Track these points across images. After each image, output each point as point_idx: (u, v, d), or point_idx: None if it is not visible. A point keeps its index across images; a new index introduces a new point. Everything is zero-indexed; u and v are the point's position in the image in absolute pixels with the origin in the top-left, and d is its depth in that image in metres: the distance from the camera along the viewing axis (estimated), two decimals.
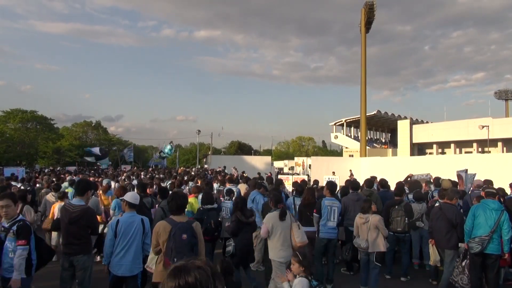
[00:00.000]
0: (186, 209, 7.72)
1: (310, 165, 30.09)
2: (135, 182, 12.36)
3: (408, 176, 11.15)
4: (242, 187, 9.73)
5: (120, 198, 6.76)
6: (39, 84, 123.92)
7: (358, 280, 6.35)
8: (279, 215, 5.10)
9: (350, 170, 21.48)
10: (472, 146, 43.54)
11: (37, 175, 18.37)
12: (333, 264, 6.54)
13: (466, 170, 10.79)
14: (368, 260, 6.03)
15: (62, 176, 16.23)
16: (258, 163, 30.51)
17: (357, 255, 6.44)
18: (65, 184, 11.16)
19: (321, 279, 6.28)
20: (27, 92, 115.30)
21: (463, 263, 5.77)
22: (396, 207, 6.90)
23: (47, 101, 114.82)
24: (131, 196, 4.80)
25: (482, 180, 8.52)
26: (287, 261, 4.83)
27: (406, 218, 6.75)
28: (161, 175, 15.96)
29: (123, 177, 14.50)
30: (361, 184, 8.90)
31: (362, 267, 6.19)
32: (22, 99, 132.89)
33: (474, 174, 10.42)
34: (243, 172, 20.28)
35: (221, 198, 8.91)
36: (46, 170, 24.64)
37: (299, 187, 7.94)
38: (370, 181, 8.71)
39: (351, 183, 8.36)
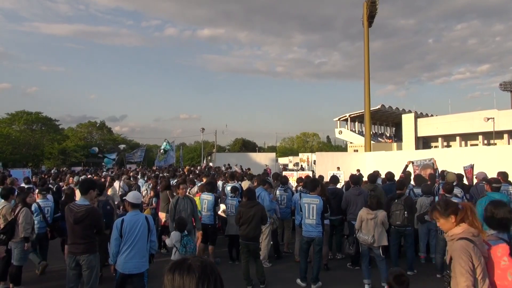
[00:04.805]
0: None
1: (314, 161, 30.00)
2: (141, 181, 12.43)
3: (407, 164, 10.75)
4: (246, 184, 9.72)
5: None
6: (44, 86, 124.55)
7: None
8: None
9: (358, 170, 21.22)
10: (477, 139, 43.16)
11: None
12: (319, 263, 6.28)
13: (473, 165, 10.66)
14: (368, 253, 6.11)
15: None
16: (263, 159, 30.47)
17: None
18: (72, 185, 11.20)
19: (303, 275, 6.31)
20: (32, 94, 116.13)
21: None
22: (396, 200, 6.87)
23: (52, 102, 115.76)
24: (133, 196, 4.82)
25: (496, 172, 7.78)
26: None
27: (406, 212, 6.73)
28: (165, 174, 16.01)
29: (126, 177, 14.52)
30: (365, 179, 8.86)
31: (363, 260, 6.21)
32: (27, 101, 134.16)
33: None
34: (248, 169, 20.27)
35: (223, 196, 8.93)
36: (52, 171, 24.79)
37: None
38: (373, 175, 8.64)
39: (351, 178, 8.34)
